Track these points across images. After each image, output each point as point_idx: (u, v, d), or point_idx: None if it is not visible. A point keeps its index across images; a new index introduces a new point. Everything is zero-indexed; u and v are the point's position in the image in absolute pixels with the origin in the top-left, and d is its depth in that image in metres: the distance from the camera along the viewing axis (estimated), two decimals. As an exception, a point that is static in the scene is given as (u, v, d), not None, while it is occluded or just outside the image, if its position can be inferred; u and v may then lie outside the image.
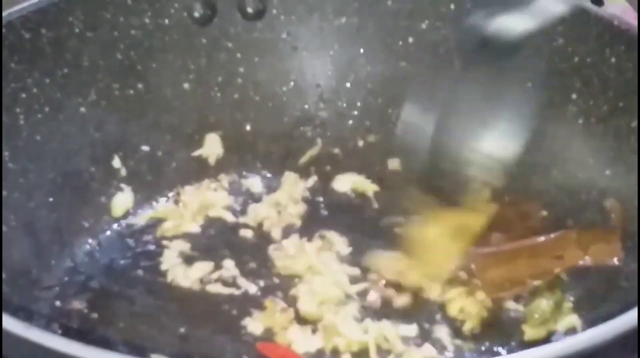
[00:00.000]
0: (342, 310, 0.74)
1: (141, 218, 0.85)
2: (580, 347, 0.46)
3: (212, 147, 0.90)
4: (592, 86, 0.75)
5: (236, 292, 0.77)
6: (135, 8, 0.83)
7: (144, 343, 0.71)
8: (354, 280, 0.78)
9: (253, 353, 0.70)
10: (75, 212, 0.81)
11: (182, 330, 0.73)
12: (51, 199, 0.78)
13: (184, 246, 0.82)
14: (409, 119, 0.61)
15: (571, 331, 0.70)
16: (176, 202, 0.87)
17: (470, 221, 0.71)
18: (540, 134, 0.82)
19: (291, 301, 0.75)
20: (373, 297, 0.76)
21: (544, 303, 0.72)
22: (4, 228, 0.72)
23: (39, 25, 0.76)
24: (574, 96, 0.78)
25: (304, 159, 0.92)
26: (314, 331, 0.72)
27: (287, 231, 0.84)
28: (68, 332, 0.68)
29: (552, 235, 0.72)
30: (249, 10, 0.88)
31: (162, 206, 0.87)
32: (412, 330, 0.73)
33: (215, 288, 0.77)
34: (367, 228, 0.85)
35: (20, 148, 0.75)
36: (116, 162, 0.85)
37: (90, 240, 0.82)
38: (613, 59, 0.73)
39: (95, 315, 0.74)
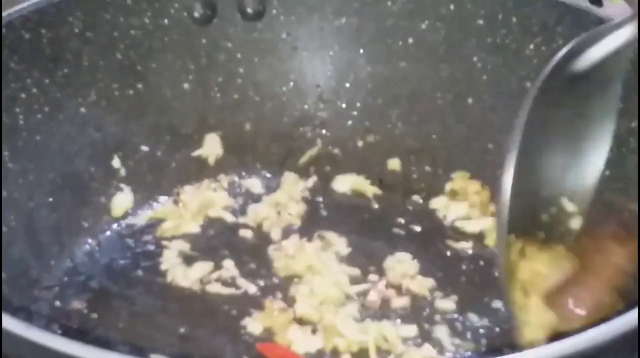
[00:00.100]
0: (341, 311, 0.74)
1: (141, 218, 0.85)
2: (580, 347, 0.46)
3: (211, 147, 0.90)
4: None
5: (236, 292, 0.77)
6: (135, 8, 0.83)
7: (144, 343, 0.71)
8: (353, 281, 0.78)
9: (253, 353, 0.70)
10: (75, 212, 0.81)
11: (181, 330, 0.73)
12: (51, 199, 0.78)
13: (184, 246, 0.82)
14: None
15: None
16: (176, 202, 0.87)
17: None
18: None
19: (291, 302, 0.75)
20: (373, 297, 0.76)
21: None
22: (4, 228, 0.72)
23: (39, 26, 0.76)
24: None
25: (303, 159, 0.92)
26: (313, 331, 0.72)
27: (286, 232, 0.84)
28: (68, 332, 0.68)
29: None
30: (249, 10, 0.88)
31: (161, 206, 0.87)
32: (411, 330, 0.73)
33: (215, 289, 0.77)
34: (366, 228, 0.85)
35: (20, 148, 0.75)
36: (116, 162, 0.85)
37: (90, 240, 0.82)
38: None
39: (95, 315, 0.74)
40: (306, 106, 0.92)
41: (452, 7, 0.85)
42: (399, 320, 0.74)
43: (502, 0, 0.82)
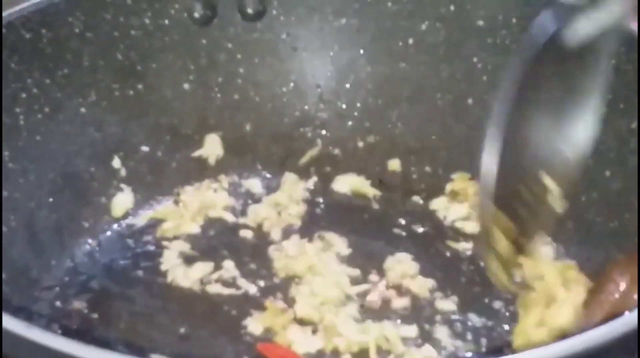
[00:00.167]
0: (342, 311, 0.74)
1: (141, 219, 0.85)
2: (580, 348, 0.46)
3: (212, 147, 0.90)
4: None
5: (236, 293, 0.77)
6: (135, 8, 0.83)
7: (144, 344, 0.71)
8: (354, 281, 0.78)
9: (253, 353, 0.70)
10: (76, 212, 0.81)
11: (182, 330, 0.73)
12: (51, 199, 0.78)
13: (184, 246, 0.82)
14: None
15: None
16: (176, 202, 0.87)
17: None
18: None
19: (291, 302, 0.75)
20: (373, 298, 0.76)
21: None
22: (4, 228, 0.72)
23: (39, 26, 0.76)
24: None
25: (304, 159, 0.92)
26: (314, 331, 0.72)
27: (287, 232, 0.84)
28: (68, 332, 0.68)
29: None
30: (249, 11, 0.88)
31: (162, 206, 0.87)
32: (412, 330, 0.73)
33: (215, 289, 0.77)
34: (366, 228, 0.85)
35: (21, 148, 0.75)
36: (116, 162, 0.85)
37: (90, 240, 0.82)
38: (613, 61, 0.73)
39: (95, 315, 0.74)
40: (306, 107, 0.92)
41: (452, 7, 0.85)
42: (399, 321, 0.74)
43: (502, 1, 0.82)
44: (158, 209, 0.86)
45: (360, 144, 0.92)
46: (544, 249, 0.80)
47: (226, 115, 0.90)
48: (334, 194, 0.90)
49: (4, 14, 0.75)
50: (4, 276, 0.69)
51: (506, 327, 0.73)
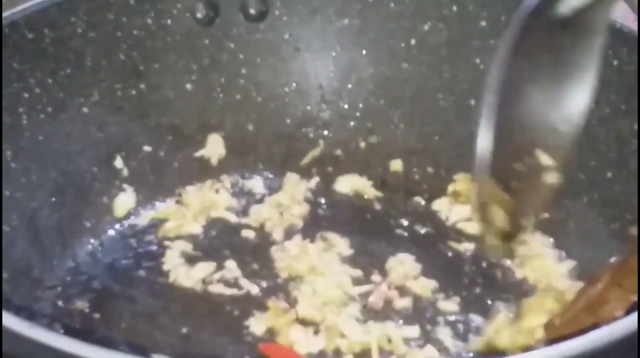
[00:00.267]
0: (344, 311, 0.74)
1: (143, 218, 0.85)
2: (580, 350, 0.46)
3: (214, 148, 0.90)
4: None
5: (238, 293, 0.77)
6: (138, 8, 0.83)
7: (146, 343, 0.71)
8: (356, 281, 0.78)
9: (255, 353, 0.70)
10: (78, 212, 0.81)
11: (184, 330, 0.73)
12: (53, 199, 0.78)
13: (186, 246, 0.82)
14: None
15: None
16: (178, 202, 0.87)
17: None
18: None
19: (293, 302, 0.75)
20: (375, 298, 0.76)
21: None
22: (6, 228, 0.72)
23: (42, 25, 0.76)
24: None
25: (305, 160, 0.92)
26: (316, 332, 0.72)
27: (289, 232, 0.84)
28: (70, 332, 0.68)
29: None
30: (252, 11, 0.88)
31: (164, 206, 0.87)
32: (414, 331, 0.73)
33: (217, 289, 0.77)
34: (368, 229, 0.85)
35: (23, 148, 0.75)
36: (118, 162, 0.85)
37: (92, 240, 0.82)
38: (615, 62, 0.73)
39: (97, 315, 0.74)
40: (308, 107, 0.92)
41: (454, 8, 0.85)
42: (401, 321, 0.74)
43: (504, 2, 0.82)
44: (160, 209, 0.86)
45: (362, 144, 0.92)
46: (548, 251, 0.80)
47: (228, 115, 0.90)
48: (336, 194, 0.90)
49: (7, 13, 0.75)
50: (5, 275, 0.69)
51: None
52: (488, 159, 0.60)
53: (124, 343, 0.70)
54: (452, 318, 0.74)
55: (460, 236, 0.84)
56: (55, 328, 0.70)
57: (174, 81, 0.87)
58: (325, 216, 0.87)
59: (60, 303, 0.75)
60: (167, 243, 0.82)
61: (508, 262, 0.80)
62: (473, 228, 0.84)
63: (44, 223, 0.77)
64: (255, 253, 0.82)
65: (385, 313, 0.75)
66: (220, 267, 0.80)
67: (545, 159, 0.62)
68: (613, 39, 0.73)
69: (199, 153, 0.90)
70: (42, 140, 0.77)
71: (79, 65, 0.80)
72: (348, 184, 0.90)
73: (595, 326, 0.48)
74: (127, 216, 0.85)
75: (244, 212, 0.87)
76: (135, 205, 0.86)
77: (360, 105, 0.91)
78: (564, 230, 0.79)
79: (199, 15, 0.86)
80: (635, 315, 0.48)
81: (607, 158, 0.75)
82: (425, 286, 0.77)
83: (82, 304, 0.74)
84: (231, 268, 0.79)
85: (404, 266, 0.79)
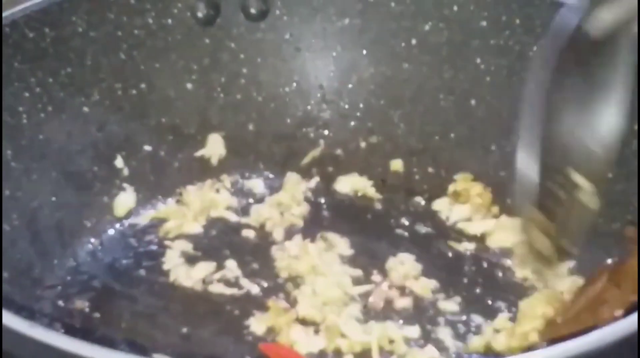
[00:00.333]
0: (344, 311, 0.74)
1: (143, 218, 0.85)
2: (580, 350, 0.46)
3: (214, 147, 0.90)
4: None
5: (238, 292, 0.77)
6: (139, 8, 0.83)
7: (146, 343, 0.71)
8: (356, 281, 0.78)
9: (255, 353, 0.70)
10: (78, 211, 0.81)
11: (184, 330, 0.73)
12: (54, 198, 0.78)
13: (186, 246, 0.82)
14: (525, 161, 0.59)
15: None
16: (178, 202, 0.87)
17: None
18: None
19: (293, 302, 0.75)
20: (375, 298, 0.76)
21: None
22: (7, 227, 0.72)
23: (43, 25, 0.76)
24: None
25: (306, 160, 0.92)
26: (316, 332, 0.72)
27: (289, 232, 0.84)
28: (70, 331, 0.68)
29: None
30: (252, 11, 0.88)
31: (164, 206, 0.87)
32: (414, 331, 0.72)
33: (218, 289, 0.77)
34: (369, 229, 0.85)
35: (23, 147, 0.75)
36: (119, 162, 0.85)
37: (92, 240, 0.82)
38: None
39: (97, 315, 0.74)
40: (309, 107, 0.92)
41: (455, 8, 0.85)
42: (401, 321, 0.74)
43: (505, 2, 0.82)
44: (160, 209, 0.86)
45: (363, 144, 0.92)
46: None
47: (229, 115, 0.90)
48: (336, 194, 0.90)
49: (8, 13, 0.75)
50: (6, 275, 0.69)
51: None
52: (533, 187, 0.59)
53: (124, 343, 0.70)
54: (452, 318, 0.74)
55: (461, 236, 0.84)
56: (55, 327, 0.69)
57: (175, 80, 0.87)
58: (326, 216, 0.87)
59: (60, 302, 0.74)
60: (167, 242, 0.82)
61: (508, 262, 0.80)
62: (473, 228, 0.84)
63: (45, 222, 0.77)
64: (255, 253, 0.82)
65: (385, 313, 0.75)
66: (220, 267, 0.80)
67: (581, 181, 0.62)
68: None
69: (199, 153, 0.90)
70: (42, 139, 0.77)
71: (79, 64, 0.80)
72: (348, 184, 0.90)
73: (594, 326, 0.48)
74: (128, 215, 0.85)
75: (244, 212, 0.87)
76: (136, 205, 0.86)
77: (361, 105, 0.91)
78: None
79: (199, 14, 0.86)
80: (635, 315, 0.48)
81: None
82: (425, 286, 0.77)
83: (82, 303, 0.74)
84: (231, 267, 0.79)
85: (404, 266, 0.79)
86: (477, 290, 0.77)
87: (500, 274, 0.79)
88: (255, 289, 0.77)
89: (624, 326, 0.47)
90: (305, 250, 0.80)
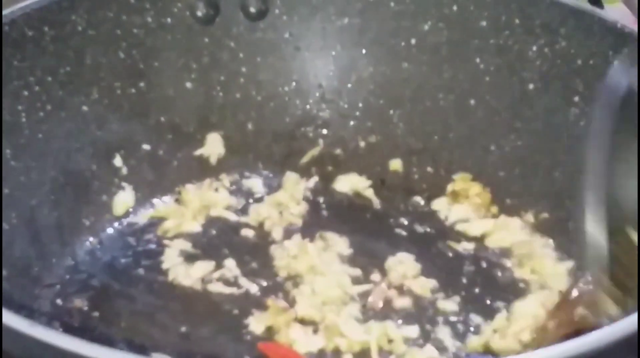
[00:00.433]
0: (343, 311, 0.74)
1: (142, 217, 0.85)
2: (580, 351, 0.46)
3: (213, 146, 0.90)
4: (595, 88, 0.75)
5: (237, 292, 0.77)
6: (138, 7, 0.83)
7: (145, 342, 0.71)
8: (355, 281, 0.78)
9: (254, 352, 0.70)
10: (77, 210, 0.81)
11: (183, 329, 0.72)
12: (52, 197, 0.78)
13: (185, 245, 0.82)
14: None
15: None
16: (177, 201, 0.87)
17: None
18: (542, 136, 0.82)
19: (292, 302, 0.75)
20: (374, 298, 0.76)
21: None
22: (6, 226, 0.72)
23: (42, 24, 0.76)
24: (576, 98, 0.79)
25: (305, 159, 0.92)
26: (315, 331, 0.72)
27: (288, 232, 0.84)
28: (69, 330, 0.68)
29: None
30: (252, 10, 0.88)
31: (163, 205, 0.87)
32: (413, 331, 0.73)
33: (217, 288, 0.77)
34: (368, 228, 0.85)
35: (22, 146, 0.75)
36: (118, 161, 0.85)
37: (91, 239, 0.82)
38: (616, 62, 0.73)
39: (96, 314, 0.74)
40: (308, 106, 0.92)
41: (455, 8, 0.85)
42: (400, 321, 0.74)
43: (505, 2, 0.82)
44: (159, 208, 0.86)
45: (362, 144, 0.92)
46: (548, 251, 0.80)
47: (228, 114, 0.90)
48: (335, 194, 0.90)
49: (7, 11, 0.74)
50: (5, 273, 0.69)
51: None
52: (603, 252, 0.59)
53: (123, 342, 0.70)
54: (451, 317, 0.74)
55: (460, 235, 0.84)
56: (54, 326, 0.70)
57: (174, 79, 0.87)
58: (325, 216, 0.87)
59: (59, 301, 0.74)
60: (166, 241, 0.82)
61: (507, 262, 0.80)
62: (472, 227, 0.84)
63: (43, 221, 0.77)
64: (254, 252, 0.82)
65: (384, 312, 0.75)
66: (219, 266, 0.79)
67: (636, 236, 0.61)
68: (614, 39, 0.74)
69: (198, 152, 0.90)
70: (41, 138, 0.77)
71: (78, 63, 0.80)
72: (347, 183, 0.90)
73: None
74: (126, 214, 0.85)
75: (243, 211, 0.87)
76: (135, 204, 0.86)
77: (360, 104, 0.91)
78: (564, 230, 0.79)
79: (199, 13, 0.86)
80: (635, 315, 0.48)
81: (607, 159, 0.75)
82: (424, 286, 0.77)
83: (81, 302, 0.74)
84: (230, 267, 0.79)
85: (403, 265, 0.79)
86: (476, 290, 0.77)
87: (499, 274, 0.79)
88: (254, 288, 0.77)
89: (624, 326, 0.47)
90: (305, 249, 0.80)
